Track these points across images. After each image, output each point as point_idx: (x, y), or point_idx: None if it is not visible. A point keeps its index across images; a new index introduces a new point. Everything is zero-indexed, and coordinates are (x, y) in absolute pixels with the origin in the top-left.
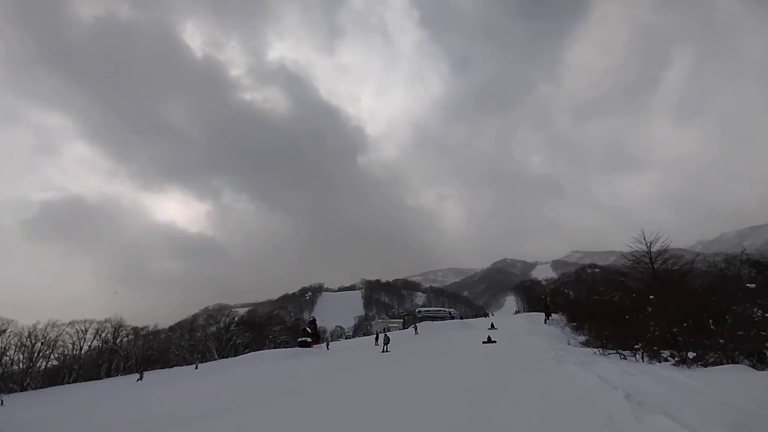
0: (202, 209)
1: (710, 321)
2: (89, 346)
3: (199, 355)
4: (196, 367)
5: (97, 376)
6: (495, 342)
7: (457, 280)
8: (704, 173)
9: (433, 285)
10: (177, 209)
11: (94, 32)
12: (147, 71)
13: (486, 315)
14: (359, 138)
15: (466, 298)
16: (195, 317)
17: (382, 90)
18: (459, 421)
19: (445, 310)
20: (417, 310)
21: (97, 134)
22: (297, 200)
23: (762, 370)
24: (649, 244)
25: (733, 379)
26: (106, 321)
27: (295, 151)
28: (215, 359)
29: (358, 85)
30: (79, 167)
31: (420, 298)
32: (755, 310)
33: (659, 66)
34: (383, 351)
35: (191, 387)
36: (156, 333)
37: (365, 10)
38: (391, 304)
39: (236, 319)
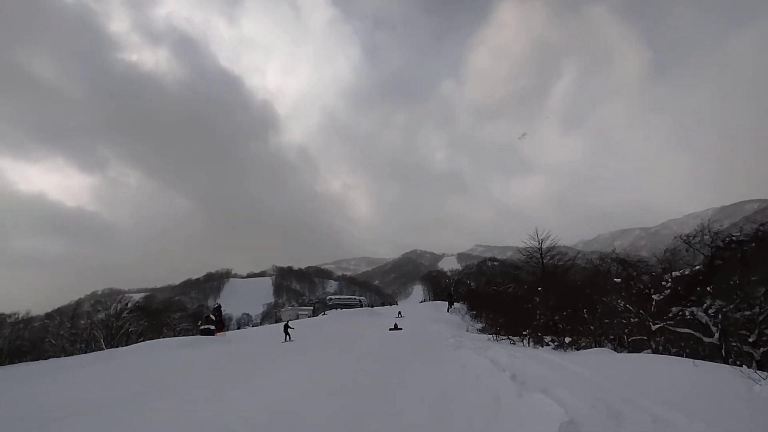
0: (84, 182)
1: (585, 310)
2: None
3: (83, 345)
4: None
5: None
6: (401, 329)
7: (369, 269)
8: (583, 179)
9: (345, 273)
10: (50, 179)
11: None
12: None
13: (391, 304)
14: (269, 114)
15: (377, 286)
16: (79, 303)
17: (289, 67)
18: (355, 403)
19: (355, 298)
20: (328, 298)
21: None
22: (203, 178)
23: (620, 352)
24: (540, 241)
25: (598, 361)
26: None
27: (199, 125)
28: (102, 349)
29: (263, 59)
30: None
31: (332, 286)
32: (619, 301)
33: (550, 76)
34: (285, 340)
35: (70, 379)
36: (28, 320)
37: None
38: (302, 291)
39: (130, 305)
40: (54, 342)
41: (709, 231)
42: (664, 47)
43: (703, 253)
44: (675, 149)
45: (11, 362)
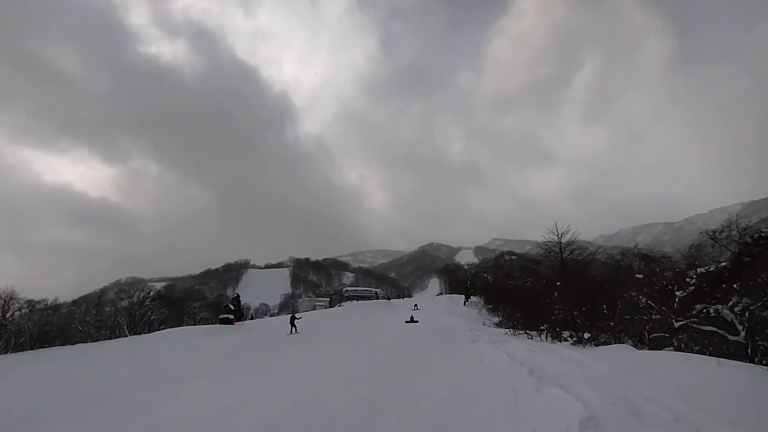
0: (107, 173)
1: (604, 306)
2: None
3: (108, 332)
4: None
5: None
6: (417, 322)
7: (385, 261)
8: (604, 172)
9: (361, 265)
10: (75, 171)
11: None
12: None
13: (402, 297)
14: (286, 105)
15: (393, 279)
16: (104, 291)
17: (305, 58)
18: (372, 394)
19: (371, 290)
20: (344, 290)
21: None
22: (222, 170)
23: (641, 349)
24: (560, 236)
25: (618, 357)
26: None
27: (217, 117)
28: (126, 335)
29: (279, 50)
30: None
31: (348, 277)
32: (641, 297)
33: (571, 66)
34: (291, 332)
35: (102, 363)
36: (56, 307)
37: None
38: (319, 282)
39: (152, 293)
40: (80, 328)
41: (736, 226)
42: (691, 36)
43: (729, 250)
44: (701, 141)
45: (41, 347)
